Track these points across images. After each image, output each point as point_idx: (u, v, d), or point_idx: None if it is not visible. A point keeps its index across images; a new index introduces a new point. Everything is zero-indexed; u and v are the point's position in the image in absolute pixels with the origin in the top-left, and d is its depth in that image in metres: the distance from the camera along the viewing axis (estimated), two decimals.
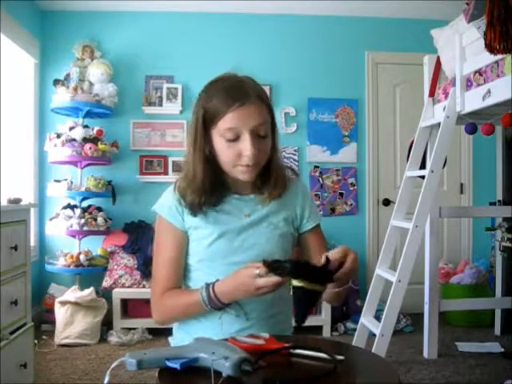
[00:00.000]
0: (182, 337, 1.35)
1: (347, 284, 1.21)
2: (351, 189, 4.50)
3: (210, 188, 1.29)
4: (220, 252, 1.31)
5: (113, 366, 0.97)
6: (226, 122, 1.22)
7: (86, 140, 3.92)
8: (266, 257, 1.17)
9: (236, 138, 1.23)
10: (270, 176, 1.34)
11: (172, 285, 1.32)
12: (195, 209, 1.30)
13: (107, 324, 3.75)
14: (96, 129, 4.01)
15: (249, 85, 1.26)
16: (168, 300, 1.31)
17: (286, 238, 1.37)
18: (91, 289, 3.75)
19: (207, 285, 1.23)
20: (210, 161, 1.29)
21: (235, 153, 1.24)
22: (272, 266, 1.09)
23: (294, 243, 1.42)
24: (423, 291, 3.39)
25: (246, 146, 1.22)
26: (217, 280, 1.23)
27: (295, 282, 1.07)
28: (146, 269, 3.87)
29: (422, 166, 3.32)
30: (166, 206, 1.34)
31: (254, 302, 1.29)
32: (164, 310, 1.32)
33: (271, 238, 1.34)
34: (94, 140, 3.96)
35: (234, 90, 1.23)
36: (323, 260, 1.09)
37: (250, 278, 1.14)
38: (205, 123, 1.26)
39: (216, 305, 1.23)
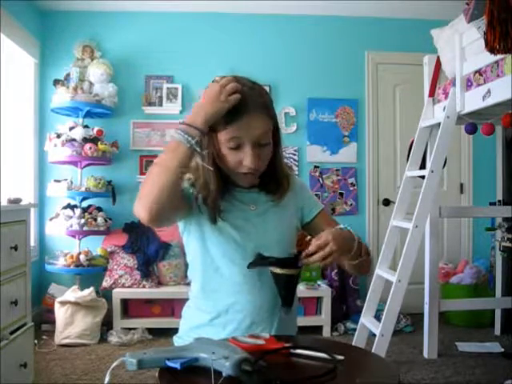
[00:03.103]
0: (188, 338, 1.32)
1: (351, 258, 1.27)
2: (351, 189, 4.50)
3: (221, 189, 1.31)
4: (230, 244, 1.31)
5: (113, 365, 0.97)
6: (229, 133, 1.24)
7: (85, 140, 3.92)
8: (275, 245, 1.30)
9: (238, 147, 1.25)
10: (276, 178, 1.37)
11: None
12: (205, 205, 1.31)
13: (107, 324, 3.75)
14: (96, 129, 4.01)
15: (254, 95, 1.26)
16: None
17: (291, 227, 1.41)
18: (91, 289, 3.75)
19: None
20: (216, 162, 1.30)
21: (236, 160, 1.26)
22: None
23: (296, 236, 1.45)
24: (423, 291, 3.39)
25: (246, 155, 1.25)
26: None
27: (272, 269, 1.23)
28: (146, 269, 3.87)
29: (422, 166, 3.32)
30: None
31: (258, 302, 1.30)
32: (142, 187, 1.22)
33: (279, 226, 1.37)
34: (94, 140, 3.96)
35: (240, 102, 1.23)
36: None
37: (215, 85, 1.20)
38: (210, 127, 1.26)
39: (190, 131, 1.16)
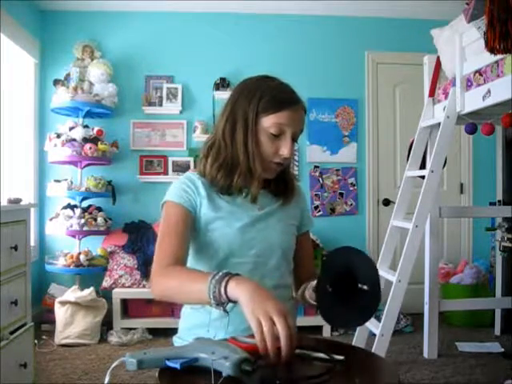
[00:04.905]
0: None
1: None
2: (351, 189, 4.50)
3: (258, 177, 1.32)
4: (235, 244, 1.31)
5: (113, 366, 0.97)
6: (279, 118, 1.27)
7: (85, 140, 3.92)
8: (277, 248, 1.33)
9: (279, 135, 1.28)
10: (285, 181, 1.40)
11: (179, 256, 1.24)
12: (237, 190, 1.32)
13: (107, 324, 3.75)
14: (96, 129, 4.01)
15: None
16: (172, 271, 1.20)
17: (292, 233, 1.43)
18: (91, 289, 3.75)
19: (224, 273, 1.08)
20: None
21: (273, 148, 1.29)
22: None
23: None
24: (423, 291, 3.39)
25: (286, 145, 1.29)
26: (236, 274, 1.08)
27: None
28: (145, 269, 3.87)
29: (422, 166, 3.32)
30: (176, 192, 1.31)
31: None
32: (163, 279, 1.19)
33: (283, 230, 1.38)
34: (94, 140, 3.95)
35: (291, 93, 1.32)
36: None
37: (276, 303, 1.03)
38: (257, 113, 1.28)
39: (217, 298, 1.06)
